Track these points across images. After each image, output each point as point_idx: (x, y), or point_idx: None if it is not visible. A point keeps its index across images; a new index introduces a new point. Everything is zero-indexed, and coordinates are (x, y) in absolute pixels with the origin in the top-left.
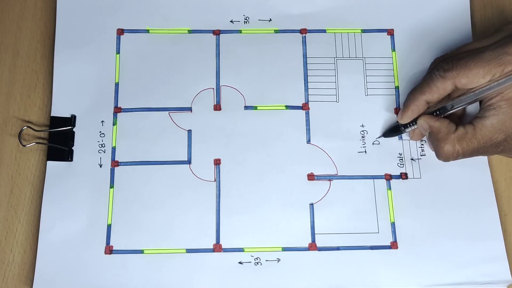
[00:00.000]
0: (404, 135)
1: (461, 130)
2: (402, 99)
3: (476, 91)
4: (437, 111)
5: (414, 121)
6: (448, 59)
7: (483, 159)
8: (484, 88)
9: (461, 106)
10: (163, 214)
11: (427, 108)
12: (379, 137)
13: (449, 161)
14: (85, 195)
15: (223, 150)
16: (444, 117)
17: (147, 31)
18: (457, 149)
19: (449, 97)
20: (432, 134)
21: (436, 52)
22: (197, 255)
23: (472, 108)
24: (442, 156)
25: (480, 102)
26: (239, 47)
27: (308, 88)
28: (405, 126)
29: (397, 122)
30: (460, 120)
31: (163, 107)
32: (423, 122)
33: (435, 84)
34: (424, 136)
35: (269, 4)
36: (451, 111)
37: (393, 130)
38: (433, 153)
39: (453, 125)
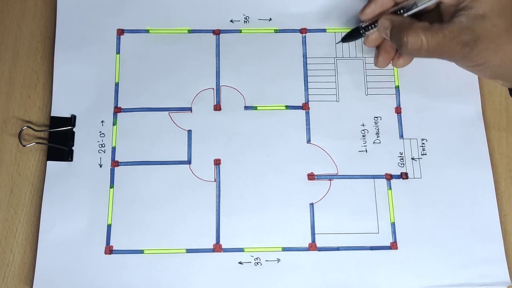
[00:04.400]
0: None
1: (426, 22)
2: (402, 98)
3: None
4: (399, 10)
5: (374, 23)
6: None
7: (484, 158)
8: None
9: (423, 4)
10: (163, 214)
11: (392, 7)
12: (337, 43)
13: (413, 55)
14: (85, 195)
15: (223, 150)
16: None
17: (147, 31)
18: (421, 38)
19: None
20: (394, 29)
21: None
22: (197, 255)
23: None
24: (406, 47)
25: None
26: (239, 47)
27: (308, 88)
28: (366, 28)
29: (359, 24)
30: None
31: (163, 107)
32: (384, 20)
33: None
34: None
35: (269, 4)
36: (414, 10)
37: (353, 34)
38: (434, 152)
39: (417, 20)
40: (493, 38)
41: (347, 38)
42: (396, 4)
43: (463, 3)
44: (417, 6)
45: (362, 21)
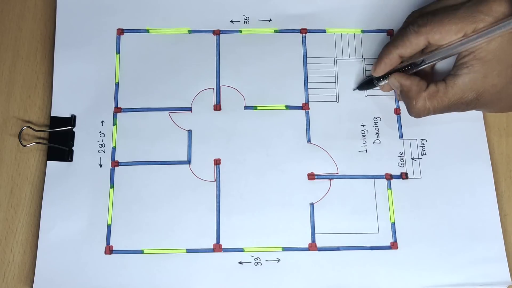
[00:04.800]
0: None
1: (432, 87)
2: None
3: (448, 47)
4: (408, 66)
5: (386, 75)
6: (424, 15)
7: (484, 158)
8: (455, 45)
9: (432, 62)
10: (163, 214)
11: (400, 63)
12: (354, 90)
13: (420, 117)
14: (85, 195)
15: (223, 150)
16: (415, 73)
17: (147, 31)
18: (428, 106)
19: (422, 53)
20: (403, 92)
21: None
22: (197, 255)
23: (441, 66)
24: (414, 113)
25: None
26: (239, 47)
27: (308, 88)
28: (378, 79)
29: (371, 75)
30: (430, 78)
31: (163, 107)
32: (394, 80)
33: (409, 39)
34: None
35: (269, 4)
36: (422, 67)
37: (367, 84)
38: (434, 152)
39: (424, 82)
40: (495, 94)
41: (362, 87)
42: (401, 58)
43: (465, 59)
44: (425, 64)
45: None
